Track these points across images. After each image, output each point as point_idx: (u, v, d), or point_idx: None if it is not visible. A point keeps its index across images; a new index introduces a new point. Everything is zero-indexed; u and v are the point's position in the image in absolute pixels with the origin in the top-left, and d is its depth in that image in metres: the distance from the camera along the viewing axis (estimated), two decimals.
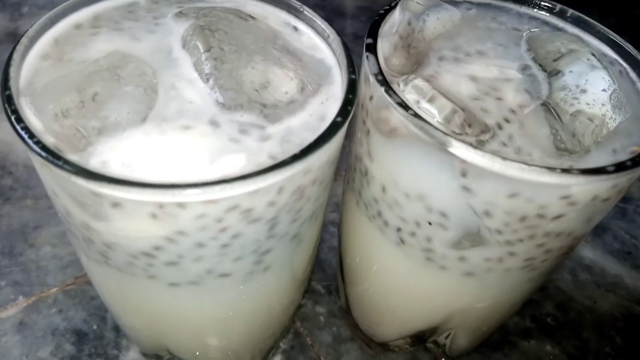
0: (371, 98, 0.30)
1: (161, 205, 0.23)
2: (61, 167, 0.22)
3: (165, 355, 0.38)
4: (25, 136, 0.23)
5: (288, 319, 0.39)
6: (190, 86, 0.28)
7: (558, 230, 0.28)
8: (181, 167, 0.24)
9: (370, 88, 0.29)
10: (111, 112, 0.25)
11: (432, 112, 0.27)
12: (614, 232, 0.60)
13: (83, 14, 0.31)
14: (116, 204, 0.23)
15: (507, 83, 0.31)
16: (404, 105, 0.27)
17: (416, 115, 0.26)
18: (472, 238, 0.29)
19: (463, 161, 0.26)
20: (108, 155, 0.24)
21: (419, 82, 0.28)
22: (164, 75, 0.28)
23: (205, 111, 0.27)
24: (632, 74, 0.33)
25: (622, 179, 0.26)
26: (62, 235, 0.52)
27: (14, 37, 0.71)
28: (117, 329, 0.46)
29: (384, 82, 0.28)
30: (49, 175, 0.24)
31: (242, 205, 0.24)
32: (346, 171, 0.37)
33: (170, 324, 0.32)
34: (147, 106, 0.26)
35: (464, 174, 0.26)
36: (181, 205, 0.23)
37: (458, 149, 0.25)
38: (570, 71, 0.31)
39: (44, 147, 0.23)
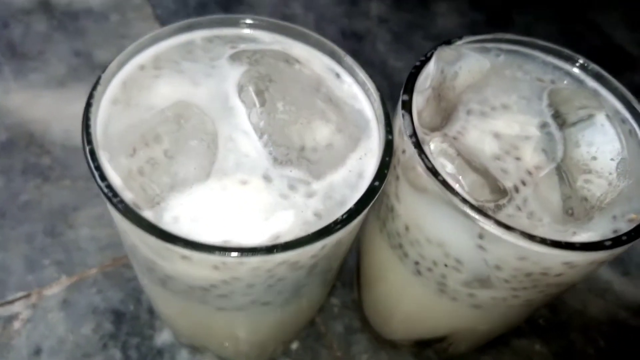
0: (404, 152, 0.33)
1: (224, 262, 0.27)
2: (140, 226, 0.26)
3: (200, 347, 0.43)
4: (110, 195, 0.26)
5: (313, 317, 0.44)
6: (245, 138, 0.31)
7: (558, 282, 0.32)
8: (240, 223, 0.28)
9: (403, 143, 0.33)
10: (180, 167, 0.29)
11: (459, 179, 0.31)
12: None
13: (146, 55, 0.34)
14: (185, 257, 0.27)
15: (526, 141, 0.34)
16: (434, 171, 0.30)
17: (444, 182, 0.30)
18: (482, 282, 0.33)
19: (481, 227, 0.30)
20: (179, 211, 0.28)
21: (449, 149, 0.31)
22: (222, 126, 0.31)
23: (260, 165, 0.30)
24: None
25: (618, 250, 0.30)
26: (99, 217, 0.56)
27: (45, 7, 0.72)
28: (151, 310, 0.51)
29: (417, 145, 0.31)
30: (126, 225, 0.28)
31: (290, 260, 0.28)
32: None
33: (212, 332, 0.36)
34: (210, 161, 0.30)
35: (481, 237, 0.30)
36: (241, 263, 0.27)
37: (478, 218, 0.29)
38: (584, 136, 0.34)
39: (125, 206, 0.26)
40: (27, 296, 0.50)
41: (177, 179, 0.28)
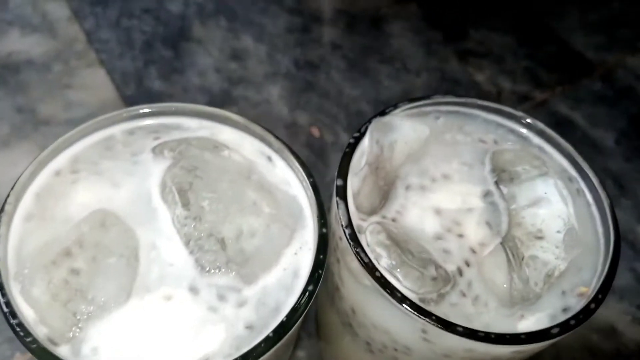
0: (341, 239, 0.32)
1: None
2: None
3: None
4: (21, 334, 0.25)
5: None
6: (170, 244, 0.29)
7: None
8: (166, 346, 0.26)
9: (340, 229, 0.31)
10: (98, 292, 0.27)
11: (397, 275, 0.29)
12: None
13: (62, 159, 0.32)
14: None
15: (469, 214, 0.33)
16: (370, 267, 0.29)
17: (381, 278, 0.29)
18: None
19: (423, 322, 0.28)
20: (97, 341, 0.26)
21: (384, 240, 0.30)
22: (144, 232, 0.30)
23: (185, 274, 0.29)
24: (588, 196, 0.35)
25: (565, 335, 0.29)
26: None
27: None
28: None
29: (353, 238, 0.30)
30: None
31: None
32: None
33: None
34: (131, 278, 0.28)
35: (424, 331, 0.29)
36: None
37: (418, 317, 0.28)
38: (528, 206, 0.33)
39: (38, 347, 0.25)
40: None
41: (95, 304, 0.27)
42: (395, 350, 0.33)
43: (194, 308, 0.28)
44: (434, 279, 0.30)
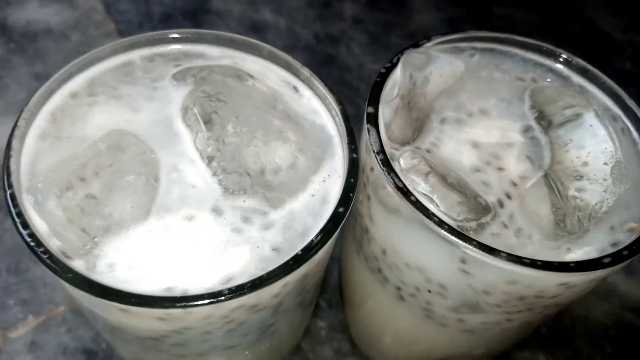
0: (372, 169, 0.30)
1: (168, 313, 0.23)
2: (67, 279, 0.23)
3: None
4: (32, 244, 0.23)
5: (296, 346, 0.41)
6: (192, 167, 0.28)
7: (556, 303, 0.29)
8: (186, 266, 0.25)
9: (371, 160, 0.29)
10: (115, 207, 0.25)
11: (434, 200, 0.27)
12: None
13: (78, 81, 0.30)
14: (124, 310, 0.24)
15: (509, 149, 0.31)
16: (405, 191, 0.27)
17: (416, 202, 0.27)
18: (471, 307, 0.30)
19: (462, 250, 0.26)
20: (114, 257, 0.24)
21: (420, 165, 0.28)
22: (165, 155, 0.28)
23: (208, 196, 0.27)
24: (635, 134, 0.33)
25: (619, 266, 0.27)
26: None
27: (2, 30, 0.69)
28: None
29: (385, 163, 0.28)
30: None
31: (247, 304, 0.25)
32: (348, 224, 0.38)
33: None
34: (150, 197, 0.26)
35: (463, 261, 0.27)
36: (187, 312, 0.23)
37: (458, 242, 0.26)
38: (573, 139, 0.31)
39: (51, 257, 0.23)
40: None
41: (111, 220, 0.25)
42: (429, 292, 0.31)
43: (216, 229, 0.26)
44: (474, 206, 0.27)
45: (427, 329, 0.34)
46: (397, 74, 0.32)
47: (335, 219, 0.26)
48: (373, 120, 0.30)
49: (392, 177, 0.27)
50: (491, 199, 0.29)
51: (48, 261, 0.23)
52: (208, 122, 0.28)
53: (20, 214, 0.24)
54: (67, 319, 0.49)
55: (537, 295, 0.28)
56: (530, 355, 0.52)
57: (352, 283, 0.40)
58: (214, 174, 0.27)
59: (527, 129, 0.32)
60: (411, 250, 0.30)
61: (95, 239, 0.25)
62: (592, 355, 0.52)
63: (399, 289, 0.33)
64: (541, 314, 0.31)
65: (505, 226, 0.28)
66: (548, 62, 0.35)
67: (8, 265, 0.51)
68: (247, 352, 0.31)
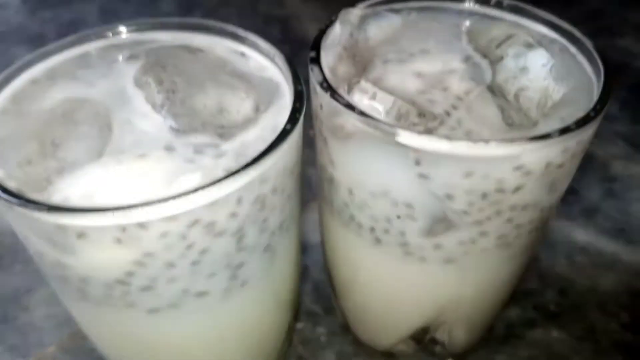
0: (321, 107, 0.31)
1: (123, 229, 0.23)
2: (23, 206, 0.23)
3: None
4: None
5: (281, 342, 0.39)
6: (144, 119, 0.29)
7: (522, 202, 0.29)
8: (140, 193, 0.25)
9: (318, 97, 0.30)
10: (68, 152, 0.26)
11: (378, 108, 0.28)
12: (604, 212, 0.61)
13: (37, 70, 0.32)
14: (81, 234, 0.24)
15: (451, 74, 0.32)
16: (351, 106, 0.28)
17: (363, 113, 0.27)
18: (441, 223, 0.30)
19: (415, 150, 0.27)
20: (69, 192, 0.25)
21: (362, 83, 0.29)
22: (118, 113, 0.29)
23: (160, 138, 0.28)
24: (572, 49, 0.34)
25: (570, 143, 0.27)
26: (54, 295, 0.52)
27: None
28: None
29: (329, 88, 0.29)
30: (16, 219, 0.25)
31: (203, 220, 0.25)
32: (317, 185, 0.38)
33: (158, 354, 0.32)
34: (103, 142, 0.27)
35: (417, 162, 0.27)
36: (142, 225, 0.23)
37: (406, 137, 0.26)
38: (509, 54, 0.32)
39: (5, 190, 0.23)
40: None
41: (65, 162, 0.26)
42: (398, 217, 0.30)
43: (169, 162, 0.26)
44: (420, 111, 0.28)
45: (410, 271, 0.33)
46: (337, 29, 0.34)
47: (283, 134, 0.26)
48: (316, 60, 0.31)
49: (336, 98, 0.28)
50: (438, 110, 0.29)
51: (2, 194, 0.23)
52: (158, 78, 0.30)
53: None
54: (57, 358, 0.47)
55: (498, 189, 0.27)
56: (543, 333, 0.49)
57: (335, 259, 0.39)
58: (165, 119, 0.28)
59: (467, 59, 0.33)
60: (371, 175, 0.30)
61: (50, 178, 0.25)
62: (608, 324, 0.50)
63: (372, 229, 0.32)
64: (513, 224, 0.30)
65: (454, 129, 0.28)
66: (482, 9, 0.37)
67: None
68: (221, 307, 0.30)
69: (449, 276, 0.33)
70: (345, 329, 0.48)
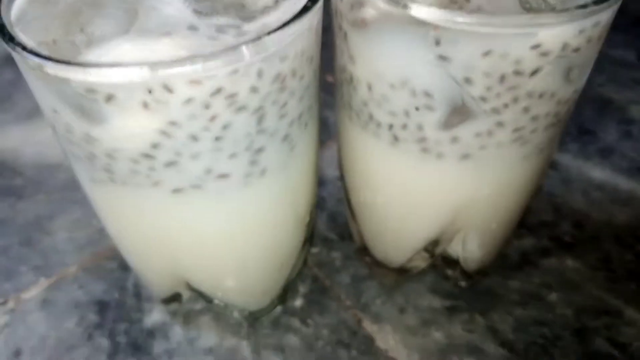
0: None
1: (150, 90, 0.24)
2: (55, 66, 0.24)
3: (184, 292, 0.39)
4: (20, 48, 0.24)
5: (299, 249, 0.40)
6: (168, 5, 0.29)
7: (539, 89, 0.29)
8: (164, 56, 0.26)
9: None
10: (96, 28, 0.27)
11: None
12: (620, 152, 0.60)
13: None
14: (109, 97, 0.24)
15: None
16: None
17: None
18: (459, 112, 0.30)
19: (435, 27, 0.27)
20: (95, 60, 0.26)
21: None
22: (142, 1, 0.30)
23: (184, 20, 0.28)
24: None
25: (586, 23, 0.27)
26: (76, 221, 0.53)
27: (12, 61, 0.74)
28: (138, 295, 0.47)
29: None
30: (44, 87, 0.26)
31: (225, 89, 0.25)
32: (336, 96, 0.38)
33: (180, 241, 0.33)
34: (129, 22, 0.28)
35: (437, 42, 0.27)
36: (168, 88, 0.24)
37: (423, 10, 0.26)
38: None
39: (37, 54, 0.24)
40: (4, 303, 0.47)
41: (93, 36, 0.26)
42: (417, 109, 0.31)
43: (192, 39, 0.27)
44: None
45: (427, 170, 0.34)
46: None
47: (304, 10, 0.27)
48: None
49: None
50: None
51: (34, 58, 0.24)
52: None
53: (9, 34, 0.26)
54: (79, 277, 0.49)
55: (515, 72, 0.28)
56: (557, 262, 0.50)
57: (352, 163, 0.39)
58: (188, 3, 0.29)
59: None
60: (391, 62, 0.30)
61: (79, 49, 0.26)
62: (623, 255, 0.50)
63: (391, 126, 0.33)
64: (529, 115, 0.30)
65: (473, 12, 0.29)
66: None
67: (20, 239, 0.52)
68: (242, 193, 0.30)
69: (465, 174, 0.33)
70: (360, 253, 0.49)
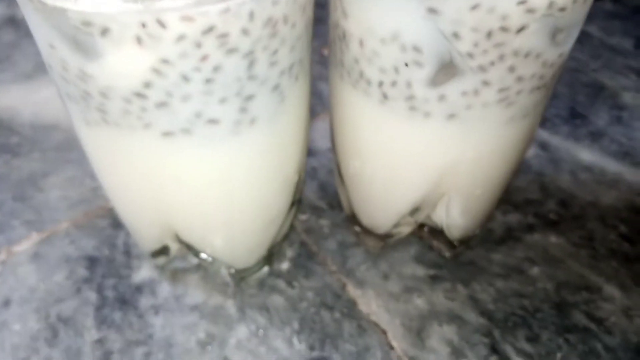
0: None
1: (144, 24, 0.25)
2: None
3: (172, 244, 0.39)
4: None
5: (285, 208, 0.40)
6: None
7: (525, 48, 0.30)
8: None
9: None
10: None
11: None
12: (610, 136, 0.61)
13: None
14: (104, 30, 0.25)
15: None
16: None
17: None
18: (447, 69, 0.31)
19: None
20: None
21: None
22: None
23: None
24: None
25: None
26: (70, 179, 0.54)
27: (12, 21, 0.74)
28: (128, 252, 0.48)
29: None
30: (41, 20, 0.26)
31: (217, 28, 0.26)
32: (330, 55, 0.39)
33: (169, 188, 0.33)
34: None
35: None
36: (161, 23, 0.25)
37: None
38: None
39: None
40: None
41: None
42: (406, 65, 0.31)
43: None
44: None
45: (414, 129, 0.34)
46: None
47: None
48: None
49: None
50: None
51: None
52: None
53: None
54: (70, 233, 0.49)
55: (502, 28, 0.28)
56: (541, 238, 0.51)
57: (342, 123, 0.40)
58: None
59: None
60: (382, 17, 0.31)
61: None
62: (606, 234, 0.51)
63: (380, 83, 0.33)
64: (515, 75, 0.31)
65: None
66: None
67: (13, 194, 0.53)
68: (231, 141, 0.31)
69: (451, 134, 0.34)
70: (349, 221, 0.50)
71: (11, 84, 0.65)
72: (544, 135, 0.61)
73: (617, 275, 0.47)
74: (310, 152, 0.55)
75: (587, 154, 0.59)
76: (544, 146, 0.59)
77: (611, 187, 0.56)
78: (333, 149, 0.45)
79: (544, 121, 0.63)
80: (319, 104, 0.62)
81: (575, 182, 0.56)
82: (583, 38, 0.75)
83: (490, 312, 0.45)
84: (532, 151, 0.59)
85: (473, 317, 0.44)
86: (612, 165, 0.58)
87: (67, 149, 0.57)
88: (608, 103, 0.65)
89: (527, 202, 0.54)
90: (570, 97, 0.66)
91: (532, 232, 0.51)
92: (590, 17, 0.84)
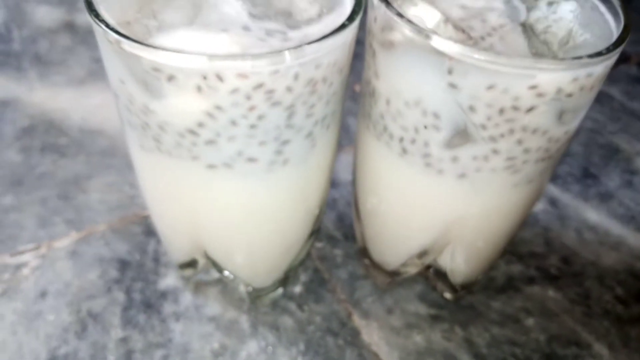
0: (375, 20, 0.36)
1: (205, 77, 0.29)
2: (132, 45, 0.29)
3: (200, 259, 0.43)
4: (103, 25, 0.30)
5: (304, 239, 0.44)
6: (227, 5, 0.34)
7: (533, 125, 0.33)
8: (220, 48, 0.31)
9: (374, 11, 0.36)
10: (167, 16, 0.32)
11: (423, 19, 0.33)
12: (619, 199, 0.64)
13: None
14: (171, 77, 0.29)
15: (491, 11, 0.37)
16: (400, 15, 0.33)
17: (410, 21, 0.32)
18: (461, 135, 0.35)
19: (450, 58, 0.32)
20: (165, 45, 0.31)
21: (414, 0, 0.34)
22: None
23: (240, 20, 0.33)
24: (602, 7, 0.38)
25: (580, 73, 0.31)
26: (111, 184, 0.59)
27: (70, 27, 0.80)
28: (157, 260, 0.52)
29: (384, 0, 0.34)
30: (117, 59, 0.31)
31: (266, 85, 0.30)
32: (360, 106, 0.43)
33: (206, 211, 0.37)
34: (194, 15, 0.33)
35: (450, 71, 0.32)
36: (220, 77, 0.29)
37: (441, 42, 0.31)
38: (545, 1, 0.36)
39: (118, 32, 0.29)
40: (37, 247, 0.52)
41: (163, 23, 0.32)
42: (425, 128, 0.35)
43: (245, 38, 0.32)
44: (458, 27, 0.33)
45: (427, 183, 0.38)
46: None
47: (341, 27, 0.32)
48: None
49: (389, 9, 0.33)
50: (474, 35, 0.34)
51: (114, 34, 0.29)
52: None
53: (95, 10, 0.31)
54: (106, 235, 0.54)
55: (513, 107, 0.32)
56: (540, 290, 0.53)
57: (363, 167, 0.44)
58: (244, 5, 0.34)
59: (507, 1, 0.38)
60: (409, 83, 0.35)
61: (150, 33, 0.31)
62: (602, 294, 0.54)
63: (401, 139, 0.37)
64: (523, 147, 0.35)
65: (485, 50, 0.33)
66: None
67: (58, 193, 0.57)
68: (265, 176, 0.35)
69: (460, 191, 0.38)
70: (360, 254, 0.53)
71: (64, 87, 0.71)
72: (555, 191, 0.64)
73: (608, 335, 0.50)
74: (332, 183, 0.60)
75: (594, 214, 0.62)
76: (553, 202, 0.62)
77: (613, 249, 0.58)
78: (353, 186, 0.49)
79: (556, 178, 0.66)
80: (346, 138, 0.66)
81: (579, 240, 0.59)
82: (604, 99, 0.78)
83: (483, 356, 0.48)
84: (541, 206, 0.62)
85: (466, 359, 0.47)
86: (616, 228, 0.60)
87: (111, 155, 0.62)
88: (621, 166, 0.68)
89: (530, 255, 0.57)
90: (584, 156, 0.69)
91: (532, 284, 0.54)
92: (614, 79, 0.87)
